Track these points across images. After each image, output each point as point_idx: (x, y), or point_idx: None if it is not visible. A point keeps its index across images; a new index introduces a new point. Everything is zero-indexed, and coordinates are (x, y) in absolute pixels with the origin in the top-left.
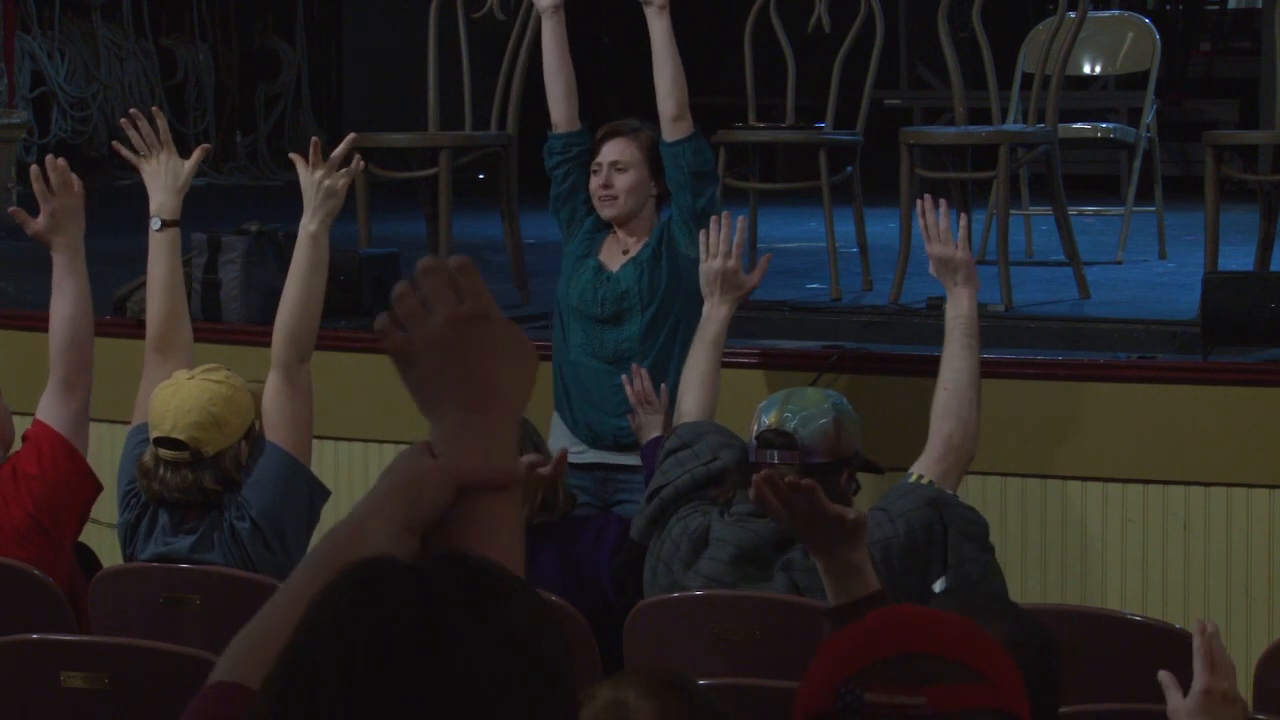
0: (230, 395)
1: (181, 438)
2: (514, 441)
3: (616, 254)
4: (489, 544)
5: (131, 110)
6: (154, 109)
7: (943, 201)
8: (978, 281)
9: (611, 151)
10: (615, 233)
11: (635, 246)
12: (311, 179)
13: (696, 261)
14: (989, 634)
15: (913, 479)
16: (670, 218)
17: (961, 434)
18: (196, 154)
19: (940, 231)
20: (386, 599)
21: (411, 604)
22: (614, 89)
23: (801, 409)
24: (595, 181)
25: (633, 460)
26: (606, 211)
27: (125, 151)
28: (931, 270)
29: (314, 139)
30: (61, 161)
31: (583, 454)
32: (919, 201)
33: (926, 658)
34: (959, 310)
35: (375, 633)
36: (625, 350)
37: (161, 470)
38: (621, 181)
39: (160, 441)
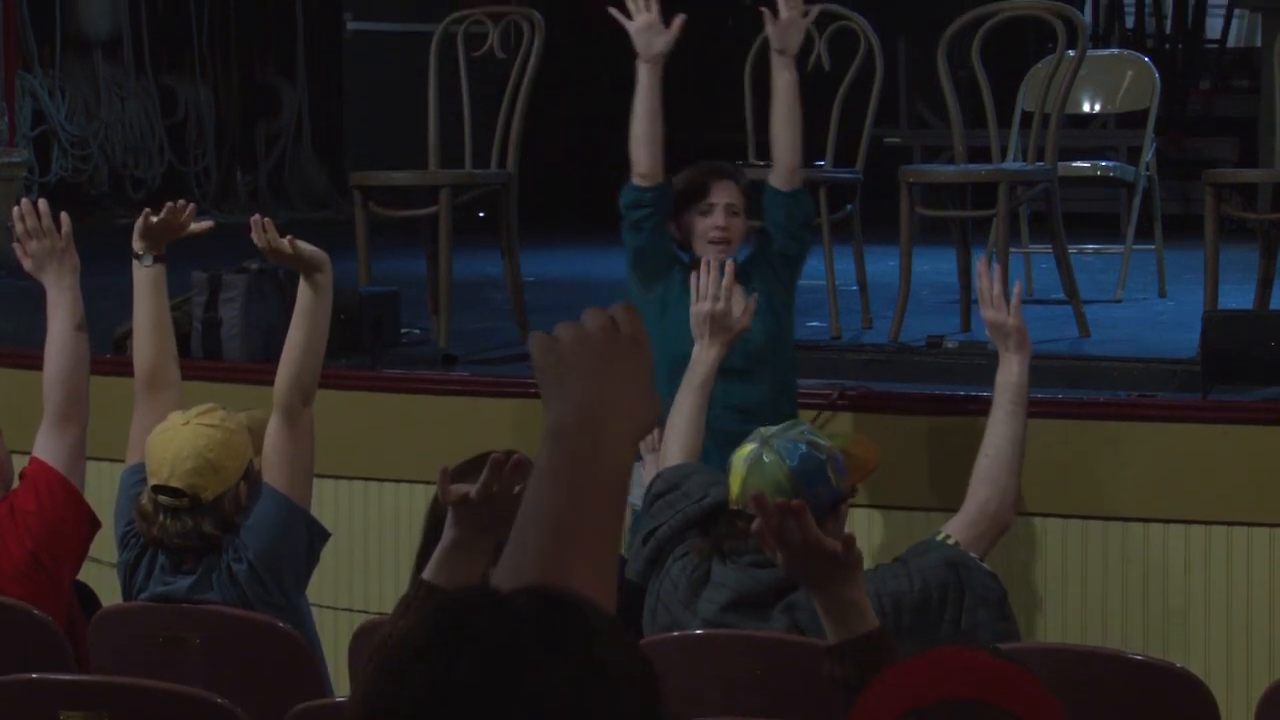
0: (226, 439)
1: (180, 485)
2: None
3: None
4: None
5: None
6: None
7: (998, 267)
8: (1030, 348)
9: (725, 193)
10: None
11: None
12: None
13: (789, 306)
14: (1051, 694)
15: (939, 538)
16: (754, 262)
17: (999, 502)
18: (195, 225)
19: (994, 297)
20: (469, 629)
21: (492, 635)
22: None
23: (764, 487)
24: (707, 222)
25: None
26: (717, 253)
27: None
28: (987, 332)
29: (289, 238)
30: (43, 204)
31: None
32: (977, 263)
33: (990, 707)
34: (1008, 376)
35: (453, 662)
36: (757, 400)
37: (161, 517)
38: (735, 225)
39: (158, 489)
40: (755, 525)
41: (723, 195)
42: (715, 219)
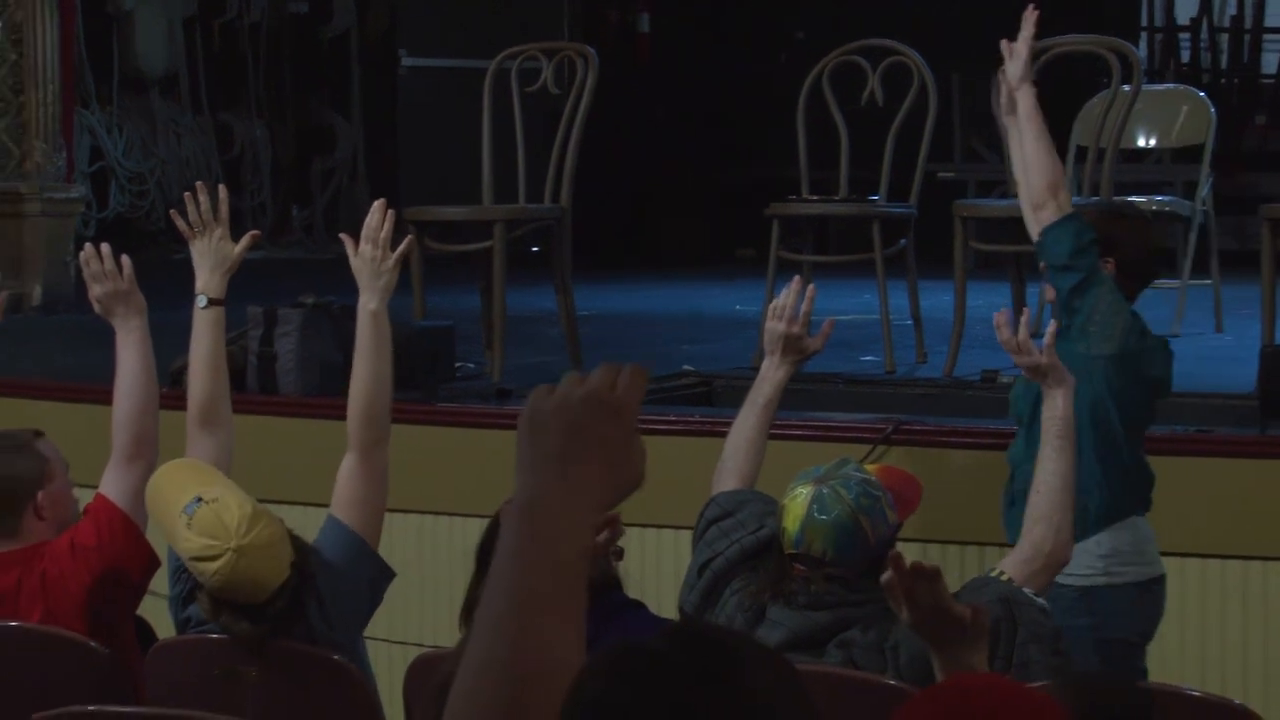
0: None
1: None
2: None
3: None
4: None
5: (198, 183)
6: (220, 186)
7: (1005, 311)
8: (1070, 380)
9: None
10: None
11: None
12: (360, 259)
13: None
14: None
15: (994, 574)
16: None
17: (1053, 540)
18: (246, 240)
19: (1019, 344)
20: (634, 680)
21: (656, 682)
22: None
23: (826, 529)
24: None
25: None
26: None
27: (180, 223)
28: (1024, 376)
29: (380, 200)
30: (105, 247)
31: None
32: (995, 316)
33: None
34: (1052, 411)
35: (626, 713)
36: None
37: (222, 616)
38: None
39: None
40: (885, 578)
41: None
42: None
